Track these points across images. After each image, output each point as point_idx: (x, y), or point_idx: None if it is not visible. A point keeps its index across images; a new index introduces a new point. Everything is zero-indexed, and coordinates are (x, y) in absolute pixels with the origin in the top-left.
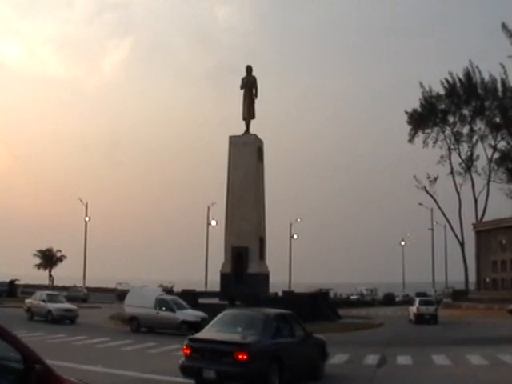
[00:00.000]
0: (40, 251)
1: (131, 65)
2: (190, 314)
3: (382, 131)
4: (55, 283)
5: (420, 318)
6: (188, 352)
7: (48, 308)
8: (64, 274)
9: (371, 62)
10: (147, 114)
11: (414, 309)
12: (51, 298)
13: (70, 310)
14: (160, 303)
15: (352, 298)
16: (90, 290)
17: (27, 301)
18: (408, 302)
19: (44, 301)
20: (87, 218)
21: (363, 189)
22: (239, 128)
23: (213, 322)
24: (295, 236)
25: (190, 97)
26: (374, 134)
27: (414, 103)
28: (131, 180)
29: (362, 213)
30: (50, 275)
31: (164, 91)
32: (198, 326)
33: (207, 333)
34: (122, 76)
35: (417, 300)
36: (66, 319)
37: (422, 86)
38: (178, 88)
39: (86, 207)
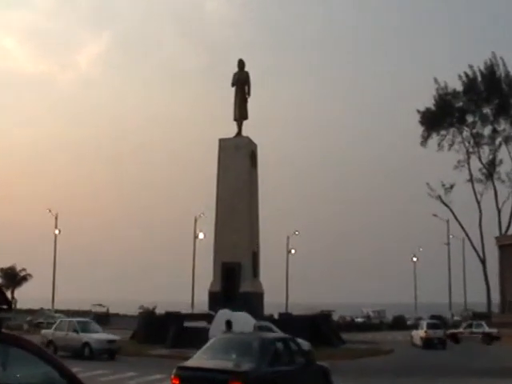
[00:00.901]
0: (1, 269)
1: (109, 59)
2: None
3: (391, 133)
4: (18, 306)
5: (428, 343)
6: (177, 382)
7: (84, 340)
8: (29, 296)
9: (378, 56)
10: (128, 114)
11: (421, 333)
12: (85, 327)
13: (112, 342)
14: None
15: (357, 320)
16: (60, 313)
17: (46, 332)
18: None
19: (76, 331)
20: (57, 231)
21: (369, 198)
22: (230, 130)
23: (204, 347)
24: (293, 251)
25: (176, 95)
26: (383, 137)
27: (427, 102)
28: (108, 187)
29: (369, 225)
30: (13, 297)
31: (146, 88)
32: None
33: (198, 360)
34: (99, 71)
35: (424, 323)
36: (105, 353)
37: (436, 81)
38: (163, 85)
39: (56, 218)
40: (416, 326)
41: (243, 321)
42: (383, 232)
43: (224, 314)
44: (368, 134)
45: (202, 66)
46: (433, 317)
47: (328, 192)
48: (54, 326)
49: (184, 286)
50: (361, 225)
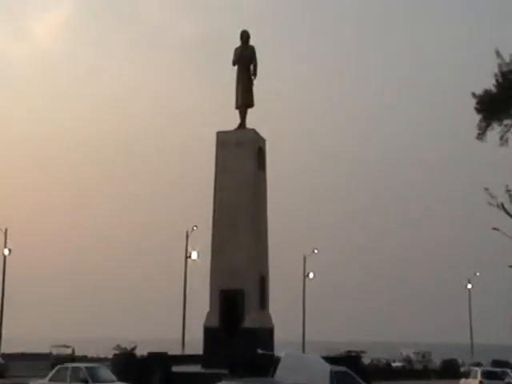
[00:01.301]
0: None
1: (75, 31)
2: None
3: (436, 124)
4: None
5: None
6: None
7: None
8: None
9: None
10: (100, 100)
11: (474, 383)
12: (96, 375)
13: None
14: None
15: (395, 365)
16: (8, 357)
17: None
18: None
19: (85, 381)
20: (6, 251)
21: (407, 207)
22: (231, 120)
23: None
24: (311, 274)
25: (162, 76)
26: (424, 128)
27: (485, 83)
28: (73, 194)
29: (407, 242)
30: None
31: (125, 68)
32: None
33: None
34: (61, 46)
35: (478, 371)
36: None
37: (498, 55)
38: (146, 65)
39: (5, 234)
40: (468, 375)
41: (318, 366)
42: (426, 252)
43: (292, 356)
44: (410, 122)
45: (193, 38)
46: (495, 362)
47: (355, 201)
48: (49, 377)
49: (173, 319)
50: (397, 243)
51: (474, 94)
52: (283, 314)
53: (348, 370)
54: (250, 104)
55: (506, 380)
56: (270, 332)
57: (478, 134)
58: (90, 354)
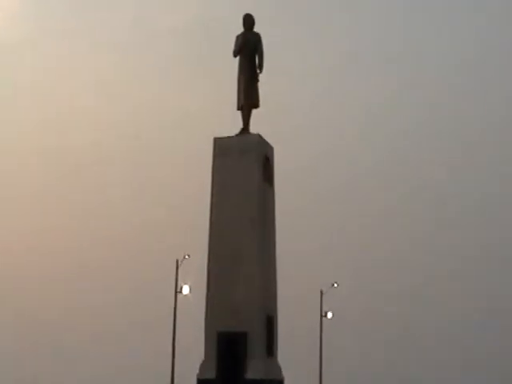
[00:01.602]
0: None
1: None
2: None
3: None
4: None
5: None
6: None
7: None
8: None
9: None
10: (69, 97)
11: None
12: None
13: None
14: None
15: None
16: None
17: None
18: None
19: None
20: None
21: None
22: (232, 124)
23: None
24: (329, 314)
25: (148, 70)
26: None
27: None
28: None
29: (460, 271)
30: None
31: (99, 59)
32: None
33: None
34: (19, 31)
35: None
36: None
37: None
38: (126, 54)
39: None
40: None
41: None
42: (492, 282)
43: None
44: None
45: (183, 22)
46: None
47: (387, 217)
48: None
49: (159, 369)
50: (442, 271)
51: None
52: (296, 363)
53: None
54: (255, 104)
55: None
56: None
57: None
58: None
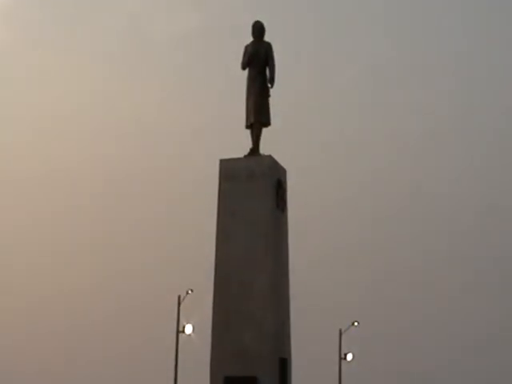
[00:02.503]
0: None
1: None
2: None
3: None
4: None
5: None
6: None
7: None
8: None
9: None
10: (60, 108)
11: None
12: None
13: None
14: None
15: None
16: None
17: None
18: None
19: None
20: None
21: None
22: (241, 145)
23: None
24: (349, 356)
25: (147, 82)
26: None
27: None
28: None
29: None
30: None
31: (94, 70)
32: None
33: None
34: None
35: None
36: None
37: None
38: (120, 64)
39: None
40: None
41: None
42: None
43: None
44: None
45: (185, 30)
46: None
47: (414, 246)
48: None
49: None
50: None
51: None
52: None
53: None
54: (266, 122)
55: None
56: None
57: None
58: None
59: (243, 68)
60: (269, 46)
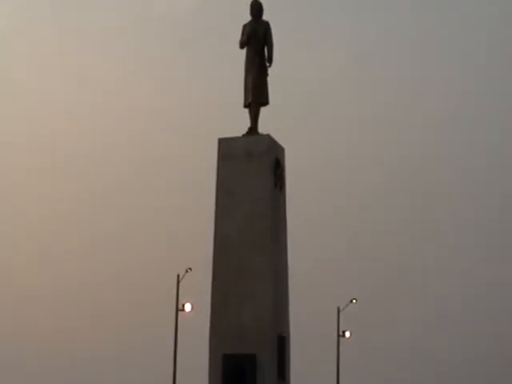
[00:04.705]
0: None
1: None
2: None
3: None
4: None
5: None
6: None
7: None
8: None
9: None
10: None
11: None
12: None
13: None
14: None
15: None
16: None
17: None
18: None
19: None
20: None
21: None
22: (238, 124)
23: None
24: (347, 333)
25: (144, 63)
26: None
27: None
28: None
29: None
30: None
31: (94, 48)
32: None
33: None
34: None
35: None
36: None
37: None
38: (121, 47)
39: None
40: None
41: None
42: None
43: None
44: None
45: (184, 9)
46: None
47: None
48: None
49: None
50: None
51: None
52: None
53: None
54: (264, 101)
55: None
56: None
57: None
58: None
59: (241, 47)
60: (267, 26)
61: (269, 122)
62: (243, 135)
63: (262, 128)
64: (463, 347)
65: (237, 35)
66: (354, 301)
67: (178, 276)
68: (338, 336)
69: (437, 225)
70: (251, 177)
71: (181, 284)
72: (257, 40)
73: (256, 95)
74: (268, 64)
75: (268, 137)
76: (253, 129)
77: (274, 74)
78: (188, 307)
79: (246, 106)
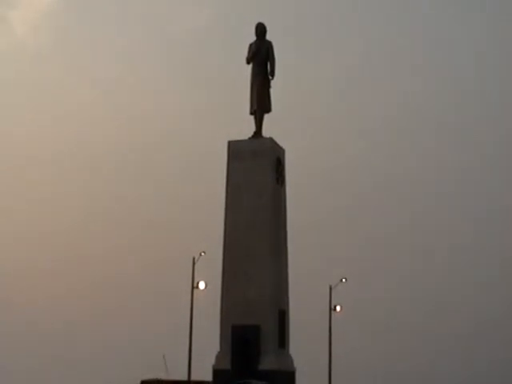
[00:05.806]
0: None
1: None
2: None
3: None
4: None
5: None
6: None
7: None
8: None
9: None
10: (81, 98)
11: None
12: None
13: None
14: None
15: None
16: None
17: None
18: None
19: None
20: None
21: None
22: (246, 128)
23: None
24: (338, 307)
25: (159, 75)
26: None
27: None
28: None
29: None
30: None
31: (114, 67)
32: None
33: None
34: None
35: None
36: None
37: None
38: (134, 62)
39: None
40: None
41: None
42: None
43: None
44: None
45: (196, 28)
46: None
47: (397, 211)
48: None
49: (176, 359)
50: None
51: None
52: (307, 355)
53: None
54: (267, 109)
55: None
56: (290, 376)
57: None
58: None
59: (247, 63)
60: (270, 44)
61: (271, 126)
62: (249, 138)
63: (266, 132)
64: (447, 324)
65: (244, 52)
66: (344, 280)
67: (194, 258)
68: (330, 310)
69: (425, 206)
70: (256, 173)
71: (196, 266)
72: (261, 57)
73: (260, 104)
74: (270, 77)
75: (270, 139)
76: (257, 132)
77: (275, 85)
78: (202, 285)
79: (251, 113)
